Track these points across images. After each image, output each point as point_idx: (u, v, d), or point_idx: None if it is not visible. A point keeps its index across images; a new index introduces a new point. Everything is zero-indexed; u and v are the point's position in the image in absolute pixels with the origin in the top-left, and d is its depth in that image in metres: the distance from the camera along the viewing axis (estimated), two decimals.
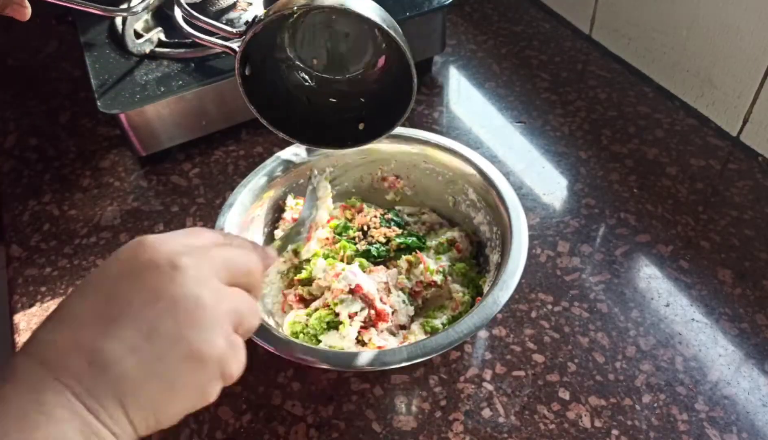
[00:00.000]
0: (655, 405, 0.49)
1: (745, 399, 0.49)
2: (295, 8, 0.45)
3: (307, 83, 0.55)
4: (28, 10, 0.54)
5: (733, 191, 0.65)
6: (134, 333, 0.27)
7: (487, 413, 0.49)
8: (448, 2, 0.75)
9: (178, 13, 0.57)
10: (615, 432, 0.48)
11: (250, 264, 0.33)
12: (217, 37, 0.50)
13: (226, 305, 0.30)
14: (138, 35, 0.75)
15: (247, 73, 0.49)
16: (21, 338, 0.57)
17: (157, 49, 0.73)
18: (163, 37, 0.75)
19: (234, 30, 0.48)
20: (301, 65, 0.54)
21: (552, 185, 0.68)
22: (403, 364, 0.43)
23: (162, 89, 0.68)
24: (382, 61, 0.53)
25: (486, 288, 0.52)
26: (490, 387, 0.51)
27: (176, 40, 0.74)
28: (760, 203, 0.64)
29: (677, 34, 0.74)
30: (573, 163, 0.70)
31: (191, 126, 0.72)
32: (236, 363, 0.30)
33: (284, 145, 0.59)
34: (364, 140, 0.54)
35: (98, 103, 0.66)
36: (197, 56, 0.72)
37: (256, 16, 0.46)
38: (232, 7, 0.75)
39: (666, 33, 0.75)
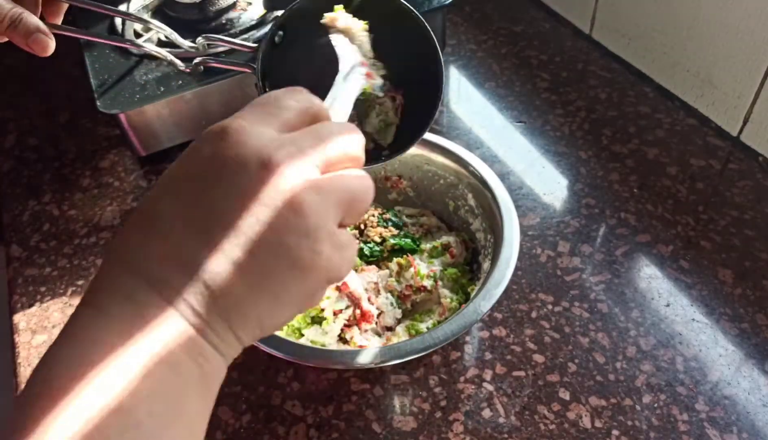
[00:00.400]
0: (656, 405, 0.49)
1: (746, 399, 0.49)
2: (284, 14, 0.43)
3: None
4: (53, 43, 0.48)
5: (734, 191, 0.65)
6: (233, 247, 0.25)
7: (487, 413, 0.49)
8: (448, 2, 0.75)
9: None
10: (615, 432, 0.47)
11: (349, 147, 0.29)
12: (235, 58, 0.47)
13: (330, 198, 0.26)
14: (138, 35, 0.75)
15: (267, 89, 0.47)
16: (21, 338, 0.57)
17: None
18: (163, 37, 0.74)
19: (250, 44, 0.47)
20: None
21: (552, 185, 0.68)
22: (369, 366, 0.44)
23: (162, 89, 0.68)
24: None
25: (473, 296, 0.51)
26: (490, 388, 0.51)
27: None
28: (761, 203, 0.64)
29: (677, 34, 0.74)
30: (573, 163, 0.70)
31: (191, 126, 0.72)
32: (345, 265, 0.27)
33: None
34: (390, 156, 0.49)
35: (98, 103, 0.66)
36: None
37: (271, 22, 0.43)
38: (232, 6, 0.75)
39: (666, 33, 0.75)
